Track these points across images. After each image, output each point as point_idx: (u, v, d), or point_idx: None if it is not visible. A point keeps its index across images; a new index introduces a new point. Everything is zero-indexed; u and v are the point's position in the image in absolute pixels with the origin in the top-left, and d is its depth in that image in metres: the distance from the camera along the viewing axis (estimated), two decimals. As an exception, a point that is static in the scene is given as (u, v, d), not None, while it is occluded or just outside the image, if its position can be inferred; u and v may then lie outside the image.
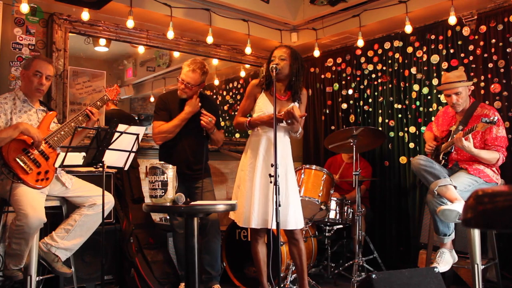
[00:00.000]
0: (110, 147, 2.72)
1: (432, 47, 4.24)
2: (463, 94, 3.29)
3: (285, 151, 3.03)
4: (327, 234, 3.97)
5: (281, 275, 2.92)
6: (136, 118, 5.16)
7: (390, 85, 4.58)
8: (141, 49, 4.77)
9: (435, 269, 2.43)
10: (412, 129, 4.36)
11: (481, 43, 3.90)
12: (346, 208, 3.94)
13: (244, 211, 2.94)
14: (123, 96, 5.49)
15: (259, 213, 2.90)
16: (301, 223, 2.99)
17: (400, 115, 4.49)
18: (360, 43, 4.45)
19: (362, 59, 4.82)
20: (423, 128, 4.22)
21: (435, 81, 4.21)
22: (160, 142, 3.40)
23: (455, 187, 3.03)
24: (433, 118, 4.13)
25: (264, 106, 3.01)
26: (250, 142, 3.08)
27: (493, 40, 3.83)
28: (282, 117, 2.84)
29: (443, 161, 3.32)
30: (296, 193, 3.05)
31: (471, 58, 3.98)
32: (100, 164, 2.72)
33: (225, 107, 5.81)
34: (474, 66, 3.95)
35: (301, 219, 3.00)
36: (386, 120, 4.59)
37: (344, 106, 4.98)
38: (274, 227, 2.74)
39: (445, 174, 3.10)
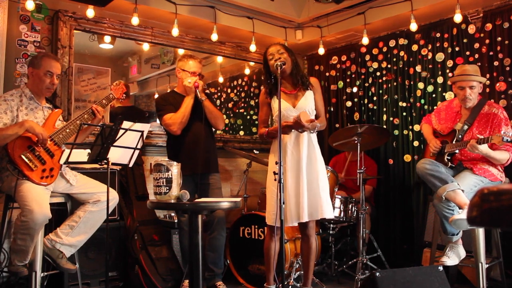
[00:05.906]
0: (114, 144, 2.73)
1: (437, 45, 4.22)
2: (476, 89, 3.25)
3: (310, 145, 3.01)
4: (331, 232, 3.96)
5: (285, 272, 2.92)
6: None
7: (395, 83, 4.56)
8: (145, 46, 4.78)
9: (439, 268, 2.43)
10: (417, 127, 4.34)
11: (487, 41, 3.88)
12: (350, 206, 3.93)
13: (289, 208, 2.90)
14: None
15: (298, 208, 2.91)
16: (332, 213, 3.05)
17: (404, 113, 4.48)
18: (365, 40, 4.43)
19: (367, 57, 4.80)
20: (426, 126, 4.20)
21: (440, 79, 4.19)
22: (179, 130, 3.41)
23: (462, 190, 3.00)
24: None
25: (282, 108, 2.99)
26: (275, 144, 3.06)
27: (499, 38, 3.81)
28: (292, 126, 2.86)
29: (449, 163, 3.29)
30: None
31: (476, 56, 3.96)
32: (105, 161, 2.73)
33: (230, 105, 5.80)
34: (479, 64, 3.92)
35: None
36: (391, 118, 4.58)
37: (349, 104, 4.97)
38: (319, 216, 2.90)
39: (452, 178, 3.07)
